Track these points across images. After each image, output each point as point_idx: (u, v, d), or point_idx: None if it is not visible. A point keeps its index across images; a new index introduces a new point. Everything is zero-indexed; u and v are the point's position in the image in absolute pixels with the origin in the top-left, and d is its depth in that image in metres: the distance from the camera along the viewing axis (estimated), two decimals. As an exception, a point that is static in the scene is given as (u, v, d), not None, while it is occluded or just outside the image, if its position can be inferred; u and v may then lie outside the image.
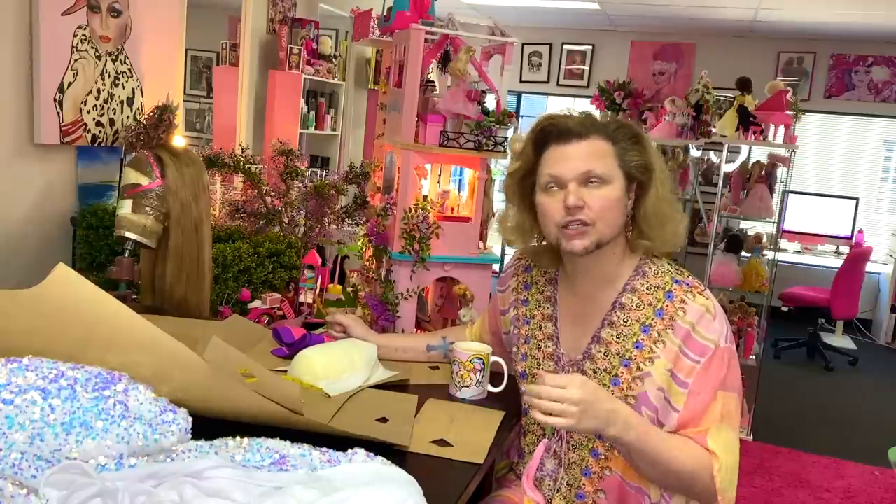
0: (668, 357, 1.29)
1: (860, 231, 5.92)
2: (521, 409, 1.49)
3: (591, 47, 7.06)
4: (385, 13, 2.31)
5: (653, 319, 1.31)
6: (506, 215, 1.45)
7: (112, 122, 2.55)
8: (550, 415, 1.16)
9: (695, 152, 5.21)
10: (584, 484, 1.37)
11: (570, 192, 1.29)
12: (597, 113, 1.48)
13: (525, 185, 1.39)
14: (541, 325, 1.45)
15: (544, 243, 1.45)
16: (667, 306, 1.31)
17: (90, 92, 2.43)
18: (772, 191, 3.96)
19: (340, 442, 1.13)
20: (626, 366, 1.31)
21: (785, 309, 5.82)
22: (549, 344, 1.43)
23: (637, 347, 1.31)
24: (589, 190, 1.29)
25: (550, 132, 1.34)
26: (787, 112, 3.81)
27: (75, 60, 2.35)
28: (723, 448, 1.26)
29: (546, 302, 1.46)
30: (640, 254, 1.38)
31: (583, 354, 1.37)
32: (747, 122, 3.76)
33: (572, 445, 1.38)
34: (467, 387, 1.53)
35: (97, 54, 2.44)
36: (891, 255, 6.19)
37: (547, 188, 1.33)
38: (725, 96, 4.57)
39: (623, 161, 1.32)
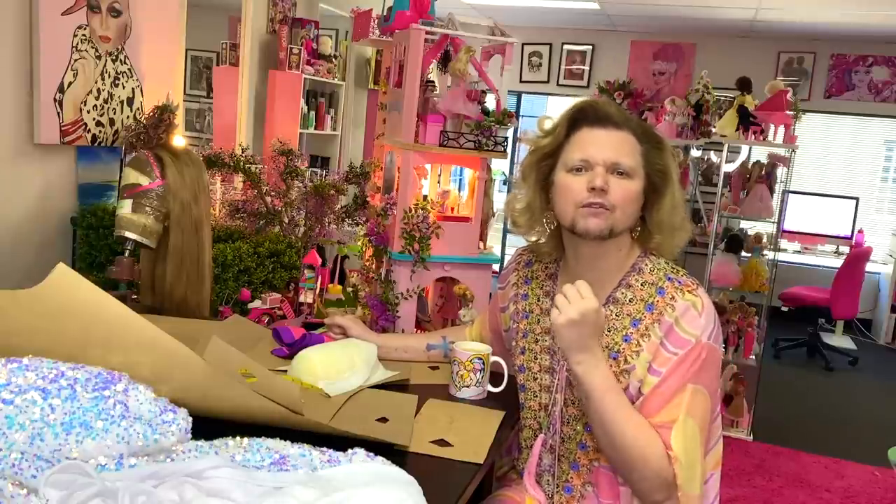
0: (650, 350, 1.30)
1: (860, 231, 5.92)
2: (519, 405, 1.50)
3: (591, 47, 7.06)
4: (385, 13, 2.31)
5: (643, 314, 1.32)
6: (515, 196, 1.45)
7: (112, 122, 2.55)
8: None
9: (695, 152, 5.22)
10: (571, 477, 1.38)
11: (598, 174, 1.30)
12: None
13: (544, 165, 1.39)
14: (539, 320, 1.46)
15: (542, 240, 1.45)
16: (657, 301, 1.32)
17: (90, 92, 2.43)
18: (772, 191, 3.96)
19: (340, 442, 1.13)
20: (614, 358, 1.32)
21: (785, 309, 5.82)
22: (546, 338, 1.44)
23: (626, 340, 1.32)
24: (614, 178, 1.31)
25: (588, 114, 1.35)
26: (787, 112, 3.81)
27: (75, 60, 2.35)
28: (684, 444, 1.24)
29: (545, 297, 1.47)
30: (640, 251, 1.39)
31: None
32: (747, 122, 3.76)
33: (563, 438, 1.39)
34: (467, 387, 1.53)
35: (97, 54, 2.44)
36: (891, 255, 6.19)
37: (573, 169, 1.33)
38: (725, 96, 4.57)
39: (647, 162, 1.34)
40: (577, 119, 1.36)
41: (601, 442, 1.30)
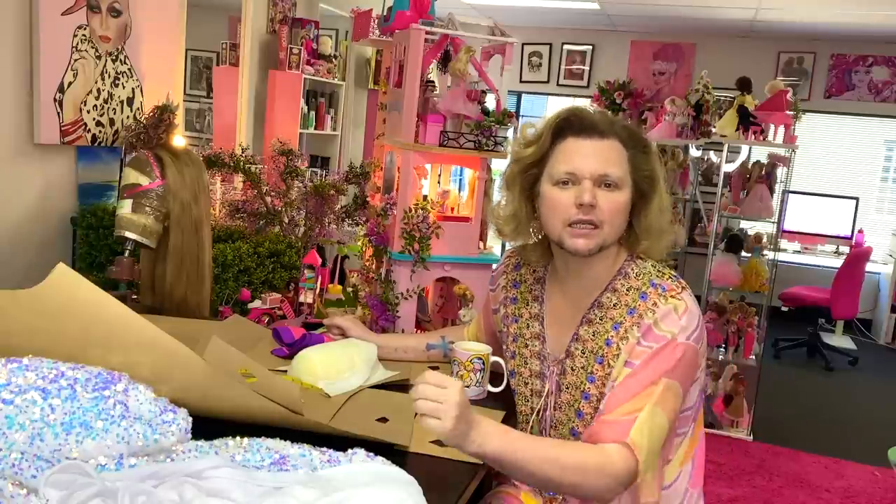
0: (627, 350, 1.28)
1: (860, 231, 5.92)
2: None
3: (591, 47, 7.07)
4: (385, 13, 2.31)
5: (624, 317, 1.30)
6: (500, 203, 1.42)
7: (112, 122, 2.55)
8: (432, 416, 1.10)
9: (695, 152, 5.21)
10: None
11: (586, 189, 1.27)
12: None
13: (529, 174, 1.36)
14: (528, 324, 1.45)
15: (533, 241, 1.44)
16: (639, 305, 1.29)
17: (90, 92, 2.43)
18: (772, 191, 3.96)
19: (340, 442, 1.13)
20: (599, 363, 1.31)
21: (785, 309, 5.82)
22: (535, 343, 1.43)
23: (608, 344, 1.31)
24: (602, 192, 1.28)
25: (573, 123, 1.31)
26: (787, 112, 3.81)
27: (75, 60, 2.35)
28: (650, 433, 1.21)
29: (534, 301, 1.46)
30: (627, 255, 1.37)
31: (565, 353, 1.38)
32: (747, 122, 3.76)
33: None
34: (467, 387, 1.52)
35: (97, 54, 2.44)
36: (891, 255, 6.19)
37: (560, 182, 1.30)
38: (725, 96, 4.57)
39: (633, 168, 1.31)
40: (562, 128, 1.32)
41: (538, 486, 1.26)
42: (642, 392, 1.23)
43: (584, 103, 1.46)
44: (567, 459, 1.18)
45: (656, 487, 1.26)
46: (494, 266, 1.71)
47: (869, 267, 5.63)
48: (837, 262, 5.49)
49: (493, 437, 1.14)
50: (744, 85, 3.88)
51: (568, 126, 1.31)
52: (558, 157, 1.31)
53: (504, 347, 1.52)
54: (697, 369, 1.30)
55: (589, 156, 1.28)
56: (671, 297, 1.28)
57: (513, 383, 1.48)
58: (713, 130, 4.29)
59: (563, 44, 7.16)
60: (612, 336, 1.31)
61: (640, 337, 1.27)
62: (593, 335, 1.34)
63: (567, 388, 1.36)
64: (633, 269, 1.35)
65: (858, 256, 5.33)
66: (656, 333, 1.26)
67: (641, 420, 1.21)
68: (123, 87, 2.58)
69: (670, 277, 1.32)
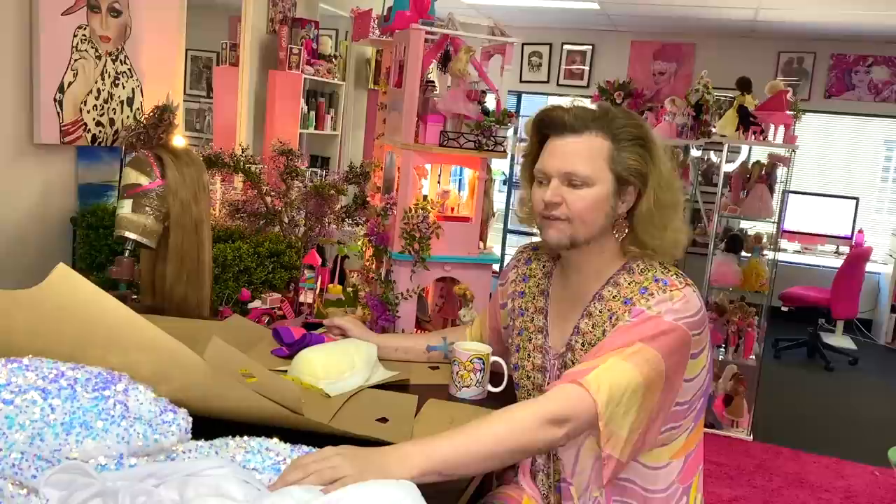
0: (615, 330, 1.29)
1: (860, 231, 5.92)
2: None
3: (591, 47, 7.06)
4: (385, 13, 2.32)
5: (620, 307, 1.31)
6: (522, 194, 1.50)
7: (112, 122, 2.55)
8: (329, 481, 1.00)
9: (695, 152, 5.21)
10: (566, 476, 1.37)
11: (550, 188, 1.31)
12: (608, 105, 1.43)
13: (532, 170, 1.41)
14: (533, 318, 1.46)
15: None
16: (636, 296, 1.29)
17: (90, 92, 2.43)
18: (772, 191, 3.96)
19: (340, 442, 1.13)
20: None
21: (785, 309, 5.82)
22: (538, 336, 1.44)
23: (605, 335, 1.31)
24: (568, 189, 1.31)
25: (547, 124, 1.35)
26: (787, 112, 3.81)
27: (75, 60, 2.35)
28: (610, 380, 1.18)
29: (540, 295, 1.47)
30: (634, 251, 1.36)
31: (566, 346, 1.38)
32: (747, 122, 3.76)
33: None
34: (467, 387, 1.53)
35: (97, 54, 2.44)
36: (891, 255, 6.19)
37: (537, 180, 1.36)
38: (725, 96, 4.57)
39: (615, 162, 1.30)
40: (541, 129, 1.37)
41: (494, 468, 1.23)
42: (612, 350, 1.23)
43: (565, 101, 1.43)
44: (497, 430, 1.15)
45: (626, 449, 1.22)
46: (496, 267, 1.71)
47: (869, 267, 5.63)
48: (837, 262, 5.49)
49: (412, 451, 1.09)
50: (744, 85, 3.88)
51: (544, 127, 1.36)
52: (541, 156, 1.36)
53: (509, 341, 1.52)
54: (687, 356, 1.27)
55: (556, 155, 1.32)
56: (671, 290, 1.28)
57: (516, 377, 1.49)
58: (713, 130, 4.29)
59: (563, 44, 7.15)
60: (608, 327, 1.31)
61: (630, 320, 1.27)
62: (592, 328, 1.34)
63: None
64: (638, 266, 1.35)
65: (858, 256, 5.34)
66: (646, 313, 1.26)
67: (602, 367, 1.20)
68: (123, 87, 2.58)
69: (675, 274, 1.32)
